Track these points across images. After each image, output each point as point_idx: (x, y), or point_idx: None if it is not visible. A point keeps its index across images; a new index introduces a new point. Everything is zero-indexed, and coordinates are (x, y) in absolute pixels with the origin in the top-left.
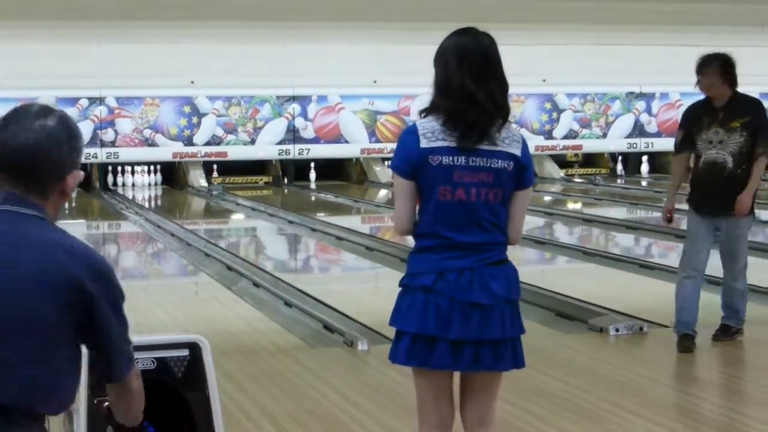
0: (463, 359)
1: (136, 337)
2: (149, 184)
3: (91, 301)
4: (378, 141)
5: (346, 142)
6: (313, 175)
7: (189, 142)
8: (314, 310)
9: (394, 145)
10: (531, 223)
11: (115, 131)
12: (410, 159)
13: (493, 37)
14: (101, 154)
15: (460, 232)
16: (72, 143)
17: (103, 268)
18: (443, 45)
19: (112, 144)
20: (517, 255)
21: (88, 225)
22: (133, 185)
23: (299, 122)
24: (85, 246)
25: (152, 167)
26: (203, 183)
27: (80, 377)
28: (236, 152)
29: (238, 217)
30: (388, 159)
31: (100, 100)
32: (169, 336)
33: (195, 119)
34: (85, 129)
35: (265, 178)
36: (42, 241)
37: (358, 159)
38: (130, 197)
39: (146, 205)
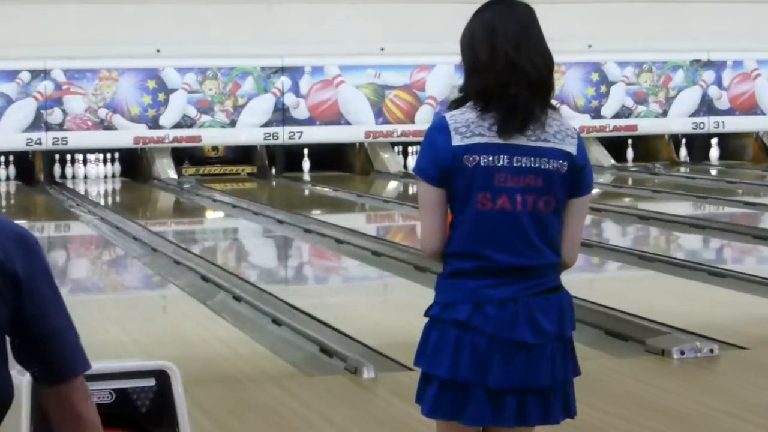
0: (506, 413)
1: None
2: (106, 176)
3: (16, 277)
4: (386, 122)
5: (348, 123)
6: (306, 164)
7: (154, 124)
8: (309, 330)
9: (405, 127)
10: None
11: (64, 111)
12: (440, 161)
13: (530, 6)
14: (46, 140)
15: (504, 252)
16: None
17: (24, 234)
18: (470, 22)
19: (60, 127)
20: None
21: (30, 226)
22: (86, 177)
23: (290, 99)
24: None
25: (109, 155)
26: (172, 174)
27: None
28: (212, 136)
29: (215, 216)
30: (398, 144)
31: (45, 74)
32: (130, 362)
33: (161, 96)
34: (27, 108)
35: (248, 169)
36: None
37: (362, 144)
38: (82, 192)
39: (102, 201)
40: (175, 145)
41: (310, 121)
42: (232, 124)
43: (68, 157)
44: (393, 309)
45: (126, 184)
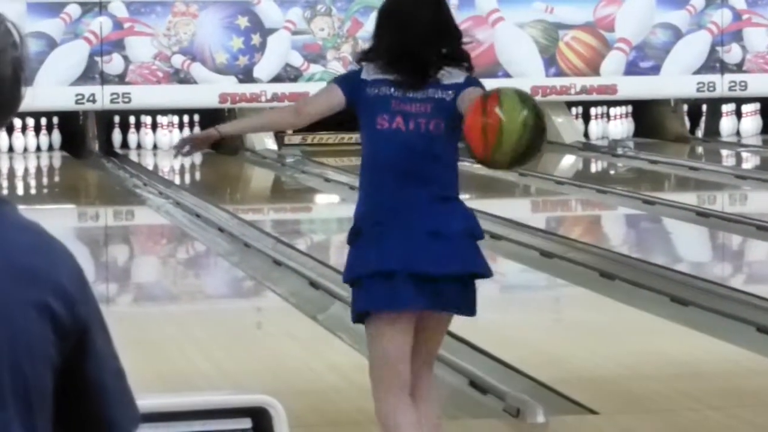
0: (427, 296)
1: (163, 399)
2: None
3: (81, 335)
4: (561, 73)
5: (507, 75)
6: None
7: (247, 76)
8: (455, 357)
9: (586, 81)
10: None
11: (125, 58)
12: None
13: None
14: (102, 96)
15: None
16: None
17: (82, 271)
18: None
19: (121, 80)
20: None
21: (80, 213)
22: (155, 148)
23: None
24: (48, 238)
25: (186, 118)
26: (271, 145)
27: None
28: None
29: (327, 201)
30: (576, 103)
31: (100, 7)
32: (219, 396)
33: (256, 39)
34: (76, 54)
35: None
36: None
37: None
38: (150, 167)
39: (176, 180)
40: (275, 104)
41: None
42: None
43: (131, 119)
44: (569, 331)
45: (209, 158)
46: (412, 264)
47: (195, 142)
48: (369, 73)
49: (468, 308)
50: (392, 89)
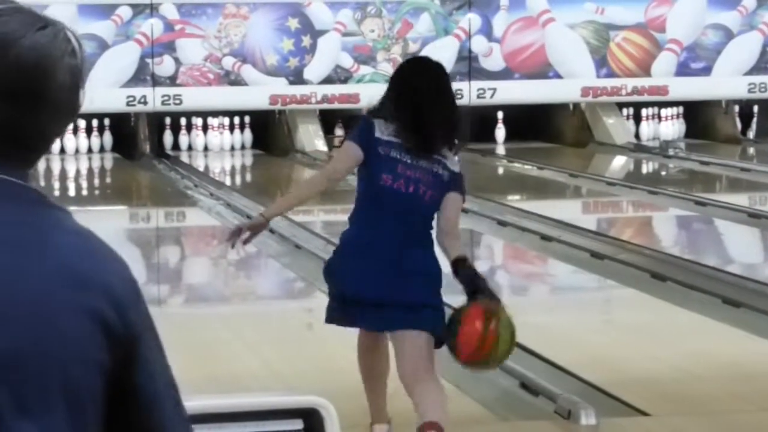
0: (385, 320)
1: (214, 400)
2: (232, 148)
3: (132, 342)
4: (612, 74)
5: (558, 76)
6: (501, 132)
7: (297, 78)
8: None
9: (637, 82)
10: None
11: (176, 60)
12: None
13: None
14: (153, 98)
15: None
16: None
17: (135, 280)
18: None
19: (171, 81)
20: None
21: (131, 214)
22: (206, 149)
23: (479, 44)
24: (103, 245)
25: (237, 120)
26: (321, 146)
27: None
28: (374, 94)
29: None
30: (627, 104)
31: (152, 9)
32: (269, 398)
33: (306, 40)
34: (127, 56)
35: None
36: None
37: (577, 105)
38: (201, 169)
39: (227, 181)
40: (325, 106)
41: (506, 74)
42: None
43: (182, 121)
44: (620, 332)
45: (259, 159)
46: (377, 291)
47: (246, 231)
48: (382, 131)
49: (424, 326)
50: (402, 154)
